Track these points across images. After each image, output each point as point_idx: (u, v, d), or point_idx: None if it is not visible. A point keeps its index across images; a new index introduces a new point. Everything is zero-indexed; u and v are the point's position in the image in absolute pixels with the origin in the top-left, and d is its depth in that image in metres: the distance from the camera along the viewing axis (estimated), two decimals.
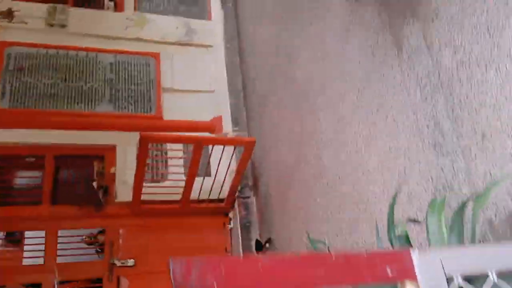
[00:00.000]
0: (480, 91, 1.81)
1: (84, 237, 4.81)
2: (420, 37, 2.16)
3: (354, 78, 2.76)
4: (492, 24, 1.75)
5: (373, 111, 2.57)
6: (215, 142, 3.95)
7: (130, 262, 4.25)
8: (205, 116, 5.04)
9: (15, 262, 4.31)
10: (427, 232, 1.48)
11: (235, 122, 5.02)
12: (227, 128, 5.00)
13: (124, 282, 4.20)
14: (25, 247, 4.24)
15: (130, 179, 4.20)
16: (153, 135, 3.81)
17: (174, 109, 4.93)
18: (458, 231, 1.40)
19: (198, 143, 3.81)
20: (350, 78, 2.81)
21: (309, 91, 3.41)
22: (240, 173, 4.23)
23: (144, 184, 4.11)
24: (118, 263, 4.21)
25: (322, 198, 3.17)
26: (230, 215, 4.69)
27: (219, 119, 5.03)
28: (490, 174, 1.75)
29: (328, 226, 3.02)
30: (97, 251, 4.78)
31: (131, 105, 4.80)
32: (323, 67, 3.17)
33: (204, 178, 4.27)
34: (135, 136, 4.63)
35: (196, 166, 3.97)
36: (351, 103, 2.80)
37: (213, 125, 5.00)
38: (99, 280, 4.15)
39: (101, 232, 4.64)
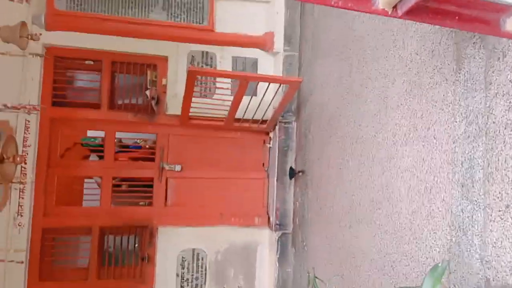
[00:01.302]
0: None
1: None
2: (482, 69, 1.97)
3: (408, 68, 2.59)
4: None
5: (417, 114, 2.48)
6: (261, 79, 3.95)
7: (178, 167, 4.77)
8: (257, 29, 4.88)
9: None
10: None
11: (288, 40, 4.84)
12: (279, 46, 4.86)
13: (172, 184, 4.81)
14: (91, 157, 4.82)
15: (180, 92, 4.42)
16: (200, 70, 3.87)
17: (226, 19, 4.77)
18: None
19: (244, 80, 3.84)
20: (403, 64, 2.63)
21: (365, 50, 3.21)
22: (283, 105, 4.31)
23: (193, 100, 4.32)
24: (167, 167, 4.75)
25: (354, 160, 3.29)
26: (271, 135, 4.93)
27: (271, 35, 4.86)
28: (501, 243, 1.82)
29: (358, 175, 3.22)
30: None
31: (184, 13, 4.69)
32: (381, 36, 2.93)
33: (251, 98, 4.40)
34: (186, 48, 4.70)
35: (240, 99, 4.08)
36: (399, 92, 2.68)
37: (264, 41, 4.86)
38: (151, 180, 4.76)
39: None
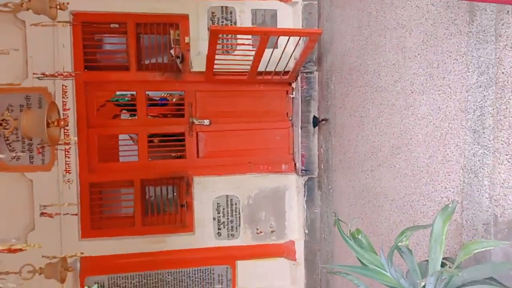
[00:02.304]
0: None
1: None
2: (493, 21, 2.06)
3: (424, 19, 2.66)
4: None
5: (433, 64, 2.60)
6: (281, 33, 4.04)
7: (206, 121, 5.04)
8: None
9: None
10: (432, 228, 1.93)
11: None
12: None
13: (202, 137, 5.10)
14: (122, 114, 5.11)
15: (204, 50, 4.57)
16: (222, 29, 3.98)
17: None
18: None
19: (264, 35, 3.94)
20: (419, 15, 2.70)
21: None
22: (304, 57, 4.41)
23: (216, 55, 4.47)
24: (196, 122, 5.02)
25: (374, 109, 3.45)
26: (293, 85, 5.08)
27: None
28: (508, 183, 2.02)
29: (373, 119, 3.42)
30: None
31: None
32: None
33: (272, 51, 4.51)
34: (205, 4, 4.79)
35: (262, 53, 4.20)
36: (416, 42, 2.78)
37: None
38: (182, 134, 5.07)
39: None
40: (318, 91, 4.88)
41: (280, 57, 4.49)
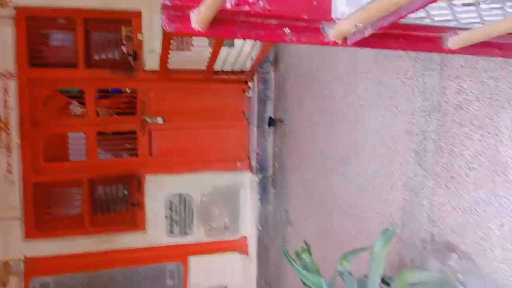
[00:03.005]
0: (464, 143, 2.00)
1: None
2: None
3: None
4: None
5: (382, 82, 2.67)
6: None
7: (160, 119, 4.92)
8: None
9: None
10: (373, 250, 2.01)
11: None
12: None
13: (155, 136, 4.99)
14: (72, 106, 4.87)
15: (157, 47, 4.44)
16: (180, 33, 3.84)
17: None
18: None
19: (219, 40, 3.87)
20: None
21: None
22: (260, 58, 4.40)
23: (170, 53, 4.35)
24: (149, 120, 4.89)
25: (326, 116, 3.51)
26: (250, 84, 5.05)
27: None
28: (444, 207, 2.14)
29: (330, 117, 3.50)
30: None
31: None
32: None
33: (229, 50, 4.45)
34: (158, 2, 4.61)
35: (217, 52, 4.13)
36: (367, 58, 2.83)
37: None
38: (134, 132, 4.92)
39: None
40: (274, 91, 4.89)
41: (237, 57, 4.46)
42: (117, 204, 5.02)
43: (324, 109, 3.56)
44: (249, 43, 4.39)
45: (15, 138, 4.21)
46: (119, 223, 4.95)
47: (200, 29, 1.16)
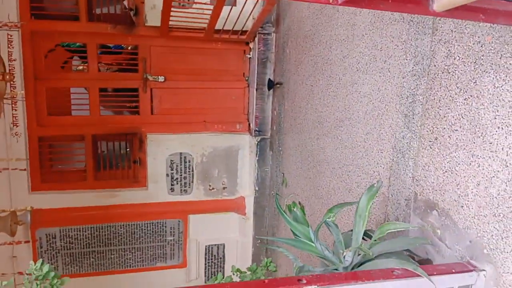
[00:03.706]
0: (448, 106, 2.08)
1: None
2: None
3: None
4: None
5: (378, 46, 2.72)
6: None
7: (161, 78, 4.98)
8: None
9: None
10: (358, 205, 2.14)
11: None
12: None
13: (156, 94, 5.06)
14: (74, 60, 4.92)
15: (159, 3, 4.42)
16: None
17: None
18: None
19: None
20: None
21: None
22: (262, 18, 4.39)
23: (172, 9, 4.35)
24: (150, 78, 4.96)
25: (323, 80, 3.58)
26: (251, 45, 5.07)
27: None
28: (428, 167, 2.25)
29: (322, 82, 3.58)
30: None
31: None
32: None
33: (231, 8, 4.45)
34: None
35: (219, 10, 4.13)
36: (365, 21, 2.86)
37: None
38: (136, 90, 5.00)
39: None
40: (274, 53, 4.92)
41: (239, 16, 4.45)
42: (119, 161, 5.18)
43: (322, 73, 3.61)
44: (251, 3, 4.37)
45: (20, 90, 4.30)
46: (121, 179, 5.13)
47: None
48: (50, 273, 1.84)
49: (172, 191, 5.21)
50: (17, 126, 4.53)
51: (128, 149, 5.21)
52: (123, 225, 5.12)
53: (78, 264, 5.03)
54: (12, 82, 4.27)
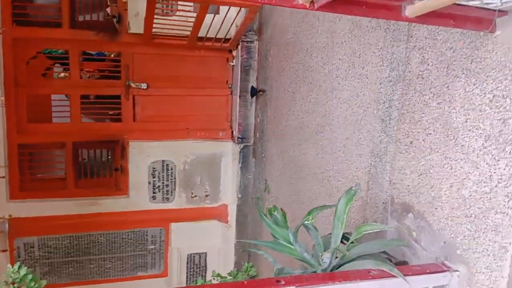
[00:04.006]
0: (423, 110, 2.14)
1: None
2: (406, 22, 2.24)
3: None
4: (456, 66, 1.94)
5: (356, 53, 2.78)
6: (220, 2, 4.02)
7: (143, 85, 4.98)
8: None
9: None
10: (336, 208, 2.17)
11: None
12: None
13: (139, 101, 5.05)
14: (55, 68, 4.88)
15: (142, 11, 4.44)
16: None
17: None
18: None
19: (204, 2, 3.91)
20: None
21: None
22: (244, 27, 4.45)
23: (155, 17, 4.37)
24: (133, 85, 4.95)
25: (304, 86, 3.63)
26: (234, 53, 5.11)
27: None
28: (404, 170, 2.30)
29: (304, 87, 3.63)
30: None
31: None
32: None
33: (214, 16, 4.48)
34: None
35: (202, 19, 4.18)
36: (343, 29, 2.93)
37: None
38: (118, 97, 4.98)
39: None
40: (257, 61, 4.97)
41: (222, 23, 4.49)
42: (101, 168, 5.13)
43: (303, 80, 3.67)
44: (234, 10, 4.43)
45: (0, 96, 4.24)
46: (102, 187, 5.07)
47: None
48: (27, 276, 1.81)
49: (154, 199, 5.17)
50: None
51: (109, 157, 5.16)
52: (103, 234, 5.05)
53: (57, 274, 4.93)
54: None
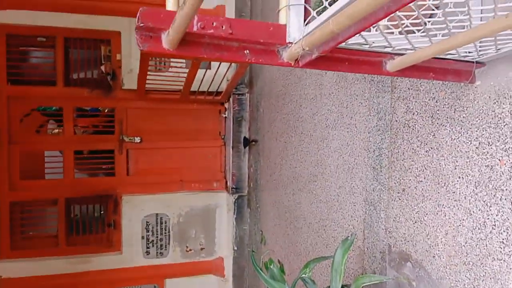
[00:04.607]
0: (412, 158, 2.17)
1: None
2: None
3: None
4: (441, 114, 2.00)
5: (343, 104, 2.86)
6: (211, 59, 4.16)
7: (137, 139, 5.02)
8: (210, 3, 5.01)
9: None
10: (333, 259, 2.14)
11: (238, 15, 5.01)
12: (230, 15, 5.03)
13: (132, 155, 5.07)
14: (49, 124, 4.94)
15: (136, 68, 4.57)
16: (152, 52, 4.01)
17: None
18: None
19: (196, 59, 4.04)
20: None
21: None
22: (235, 80, 4.58)
23: (148, 73, 4.49)
24: (126, 139, 4.99)
25: (296, 136, 3.69)
26: (226, 105, 5.22)
27: (222, 8, 5.01)
28: (399, 218, 2.29)
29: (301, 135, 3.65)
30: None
31: None
32: None
33: (205, 71, 4.61)
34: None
35: (194, 75, 4.30)
36: (330, 81, 3.03)
37: (217, 13, 5.01)
38: (112, 151, 5.00)
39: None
40: (249, 112, 5.07)
41: (213, 78, 4.63)
42: (93, 224, 5.04)
43: (294, 130, 3.73)
44: (224, 65, 4.58)
45: None
46: (95, 243, 4.96)
47: (169, 49, 1.32)
48: None
49: (147, 254, 5.05)
50: None
51: (102, 212, 5.10)
52: None
53: None
54: None
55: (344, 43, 1.50)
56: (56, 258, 4.71)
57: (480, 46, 1.61)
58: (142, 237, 5.03)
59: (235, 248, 5.22)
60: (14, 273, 4.53)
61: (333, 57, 1.54)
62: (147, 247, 5.05)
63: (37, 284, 4.66)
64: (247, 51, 1.48)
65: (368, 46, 1.56)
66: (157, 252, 5.08)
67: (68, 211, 4.89)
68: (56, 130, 5.29)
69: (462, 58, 1.73)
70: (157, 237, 5.10)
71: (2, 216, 4.51)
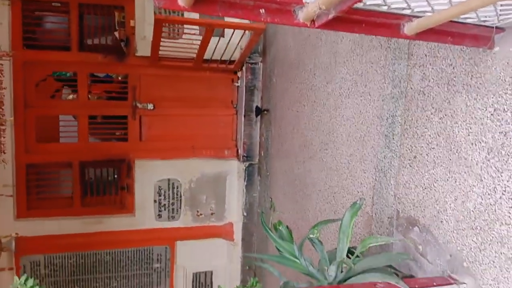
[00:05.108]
0: (425, 125, 2.18)
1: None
2: (406, 40, 2.32)
3: None
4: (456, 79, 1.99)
5: (358, 71, 2.85)
6: (225, 26, 4.14)
7: (150, 105, 5.07)
8: None
9: None
10: (341, 222, 2.19)
11: None
12: None
13: (145, 121, 5.13)
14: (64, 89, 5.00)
15: (149, 34, 4.57)
16: (167, 18, 4.00)
17: None
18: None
19: (209, 26, 4.03)
20: None
21: None
22: (249, 49, 4.56)
23: (162, 40, 4.49)
24: (140, 106, 5.04)
25: (308, 105, 3.70)
26: (238, 74, 5.21)
27: None
28: (408, 184, 2.33)
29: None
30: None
31: None
32: None
33: (219, 39, 4.59)
34: None
35: (207, 43, 4.29)
36: (345, 49, 3.01)
37: None
38: (125, 117, 5.06)
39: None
40: (261, 81, 5.06)
41: (226, 46, 4.60)
42: (107, 187, 5.17)
43: (307, 98, 3.74)
44: (238, 33, 4.54)
45: (9, 118, 4.33)
46: (108, 205, 5.10)
47: (185, 6, 1.32)
48: None
49: (159, 217, 5.19)
50: (4, 153, 4.53)
51: (115, 176, 5.21)
52: (109, 252, 5.06)
53: None
54: (1, 109, 4.31)
55: (362, 4, 1.50)
56: (70, 218, 4.86)
57: (500, 10, 1.59)
58: (155, 201, 5.15)
59: (245, 214, 5.33)
60: (30, 232, 4.70)
61: (350, 18, 1.53)
62: (159, 211, 5.18)
63: (52, 243, 4.83)
64: (263, 10, 1.47)
65: (386, 7, 1.55)
66: (168, 216, 5.22)
67: (83, 174, 5.01)
68: (71, 96, 5.35)
69: (482, 23, 1.71)
70: (169, 201, 5.22)
71: (18, 177, 4.64)
